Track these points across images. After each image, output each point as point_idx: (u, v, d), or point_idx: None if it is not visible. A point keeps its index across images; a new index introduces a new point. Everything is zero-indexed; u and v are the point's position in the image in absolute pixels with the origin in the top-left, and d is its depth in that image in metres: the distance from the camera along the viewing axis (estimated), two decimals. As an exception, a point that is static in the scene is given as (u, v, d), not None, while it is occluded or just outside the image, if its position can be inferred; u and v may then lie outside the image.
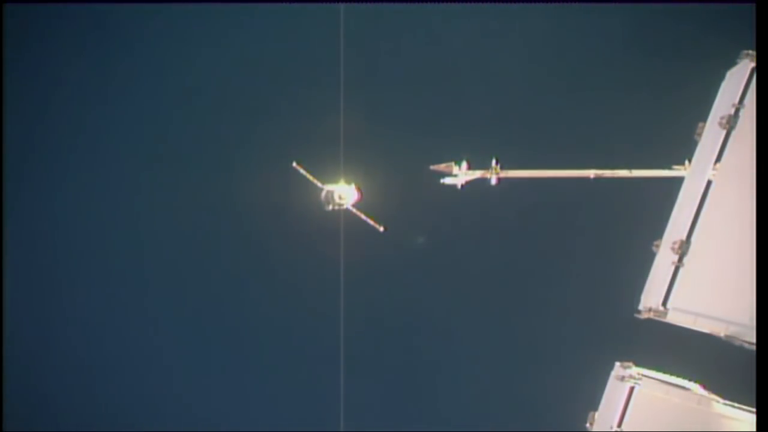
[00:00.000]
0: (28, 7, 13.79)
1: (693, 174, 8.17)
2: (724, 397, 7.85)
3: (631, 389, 7.95)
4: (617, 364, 8.10)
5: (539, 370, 13.04)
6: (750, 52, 7.70)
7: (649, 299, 7.84)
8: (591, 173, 10.68)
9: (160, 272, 14.30)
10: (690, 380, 8.00)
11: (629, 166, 10.67)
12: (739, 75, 7.84)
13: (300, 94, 13.80)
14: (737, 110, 7.76)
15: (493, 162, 10.97)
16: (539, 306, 13.34)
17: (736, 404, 7.75)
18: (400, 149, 13.41)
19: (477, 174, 11.06)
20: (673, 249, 7.77)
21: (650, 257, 8.04)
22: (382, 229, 12.34)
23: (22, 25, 13.83)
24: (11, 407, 13.50)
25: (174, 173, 14.19)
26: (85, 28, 14.13)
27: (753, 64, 7.69)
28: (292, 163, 12.40)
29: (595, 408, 8.19)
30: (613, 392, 8.04)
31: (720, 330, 7.43)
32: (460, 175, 11.06)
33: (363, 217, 12.25)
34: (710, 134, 7.98)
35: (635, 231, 9.16)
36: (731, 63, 7.99)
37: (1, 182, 13.85)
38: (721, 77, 8.08)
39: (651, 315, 7.77)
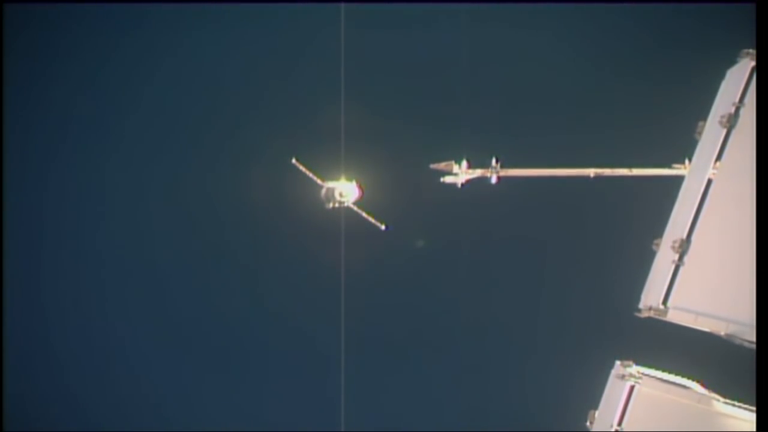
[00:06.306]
0: (28, 7, 13.79)
1: (693, 173, 8.14)
2: (724, 396, 7.85)
3: (632, 388, 7.92)
4: (618, 362, 8.09)
5: (539, 369, 13.04)
6: (750, 51, 7.68)
7: (650, 298, 7.81)
8: (591, 172, 10.67)
9: (158, 272, 14.30)
10: (690, 379, 7.99)
11: (629, 165, 10.67)
12: (740, 74, 7.81)
13: (300, 92, 13.81)
14: (737, 109, 7.74)
15: (494, 161, 10.98)
16: (539, 305, 13.35)
17: (736, 403, 7.74)
18: (400, 147, 13.42)
19: (477, 173, 11.07)
20: (673, 248, 7.75)
21: (650, 256, 8.03)
22: (383, 227, 12.33)
23: (22, 25, 13.83)
24: (11, 407, 13.50)
25: (172, 170, 14.18)
26: (85, 28, 14.13)
27: (753, 63, 7.68)
28: (291, 159, 12.40)
29: (595, 407, 8.18)
30: (614, 391, 8.01)
31: (720, 329, 7.41)
32: (460, 173, 11.07)
33: (364, 215, 12.25)
34: (710, 133, 7.95)
35: (635, 230, 9.16)
36: (732, 62, 7.98)
37: (1, 182, 13.84)
38: (722, 76, 8.07)
39: (651, 314, 7.75)
